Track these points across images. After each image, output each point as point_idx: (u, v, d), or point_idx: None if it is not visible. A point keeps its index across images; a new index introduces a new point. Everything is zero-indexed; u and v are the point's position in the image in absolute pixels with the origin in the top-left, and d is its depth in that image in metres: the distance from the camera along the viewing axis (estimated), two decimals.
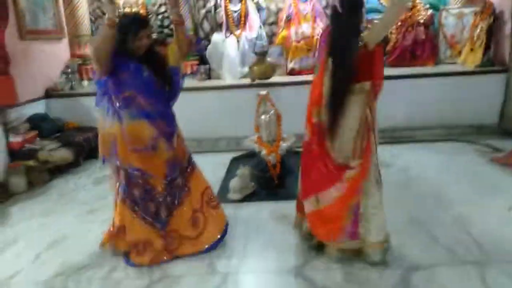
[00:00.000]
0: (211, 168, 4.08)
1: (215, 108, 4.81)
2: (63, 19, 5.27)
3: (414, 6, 5.20)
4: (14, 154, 3.88)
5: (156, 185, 2.41)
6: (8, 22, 3.66)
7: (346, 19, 2.11)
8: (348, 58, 2.07)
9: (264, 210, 3.06)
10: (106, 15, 2.09)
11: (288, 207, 3.04)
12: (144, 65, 2.27)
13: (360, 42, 2.09)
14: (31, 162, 3.88)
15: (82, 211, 3.27)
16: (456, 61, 5.09)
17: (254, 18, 5.19)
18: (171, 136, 2.43)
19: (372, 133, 2.22)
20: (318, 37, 4.99)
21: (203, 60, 5.42)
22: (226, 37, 5.13)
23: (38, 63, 4.70)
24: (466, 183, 3.30)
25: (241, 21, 5.17)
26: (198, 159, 4.46)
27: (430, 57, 5.20)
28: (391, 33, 5.29)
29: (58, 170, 4.18)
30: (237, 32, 5.15)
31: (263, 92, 3.82)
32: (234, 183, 3.29)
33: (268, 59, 3.71)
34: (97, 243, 2.58)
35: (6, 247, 2.76)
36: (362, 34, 2.13)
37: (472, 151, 4.08)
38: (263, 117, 3.76)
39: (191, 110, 4.78)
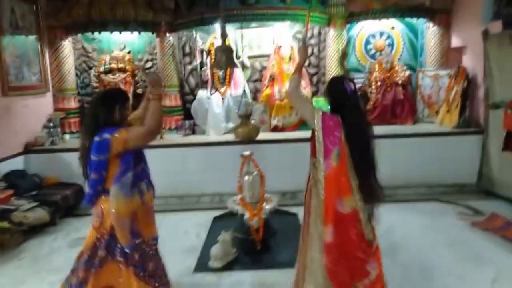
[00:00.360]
0: (193, 229, 4.02)
1: (199, 164, 4.79)
2: (49, 73, 5.28)
3: (392, 67, 5.43)
4: None
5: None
6: None
7: (358, 104, 2.15)
8: (372, 146, 2.12)
9: (246, 281, 2.97)
10: (152, 90, 2.18)
11: (272, 276, 2.98)
12: None
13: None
14: (4, 224, 3.73)
15: (55, 280, 3.09)
16: (433, 120, 5.26)
17: (239, 76, 5.32)
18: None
19: None
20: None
21: (188, 115, 5.47)
22: (211, 94, 5.22)
23: (20, 119, 4.66)
24: (449, 250, 3.29)
25: (226, 78, 5.29)
26: (180, 218, 4.44)
27: (409, 116, 5.37)
28: (371, 92, 5.48)
29: (33, 230, 4.01)
30: (222, 89, 5.24)
31: (246, 152, 3.83)
32: (215, 250, 3.20)
33: (252, 121, 3.76)
34: None
35: None
36: None
37: (454, 213, 4.12)
38: (246, 178, 3.75)
39: (174, 166, 4.77)
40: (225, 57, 3.54)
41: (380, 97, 5.41)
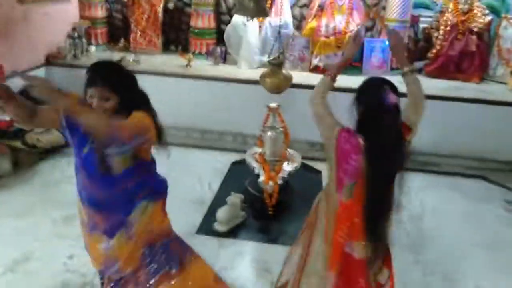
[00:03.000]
0: (208, 174, 3.78)
1: (225, 99, 4.39)
2: None
3: (471, 9, 4.44)
4: (2, 133, 3.65)
5: None
6: None
7: (395, 125, 1.56)
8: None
9: (247, 252, 2.75)
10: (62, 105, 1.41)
11: (275, 252, 2.74)
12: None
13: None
14: (18, 144, 3.66)
15: (59, 216, 3.03)
16: (506, 81, 4.41)
17: (283, 2, 4.56)
18: None
19: None
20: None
21: (221, 39, 4.91)
22: (247, 20, 4.54)
23: (40, 28, 4.32)
24: (485, 253, 2.85)
25: (267, 4, 4.56)
26: (199, 157, 4.20)
27: (477, 72, 4.53)
28: (437, 37, 4.60)
29: (49, 151, 3.94)
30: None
31: (273, 104, 3.37)
32: (221, 213, 2.96)
33: (283, 71, 3.21)
34: (58, 273, 2.38)
35: None
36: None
37: (501, 200, 3.58)
38: (269, 133, 3.36)
39: (198, 98, 4.40)
40: (253, 3, 2.80)
41: (447, 45, 4.53)
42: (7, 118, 3.65)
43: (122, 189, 1.59)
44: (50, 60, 4.48)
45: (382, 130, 1.52)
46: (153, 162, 1.71)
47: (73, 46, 4.69)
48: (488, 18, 4.42)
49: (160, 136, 1.64)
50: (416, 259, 2.76)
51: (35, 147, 3.73)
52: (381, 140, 1.52)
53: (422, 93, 1.74)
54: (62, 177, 3.62)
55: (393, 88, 1.59)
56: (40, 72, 4.38)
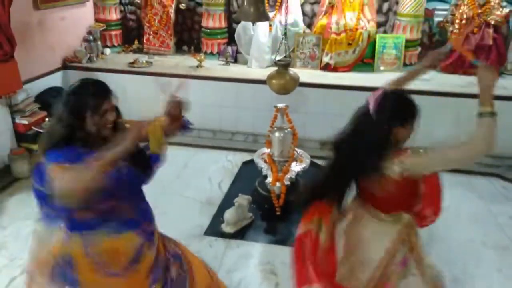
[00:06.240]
0: (218, 174, 3.84)
1: (235, 99, 4.43)
2: None
3: (487, 2, 4.30)
4: (20, 136, 3.80)
5: None
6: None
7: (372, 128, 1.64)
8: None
9: (254, 255, 2.78)
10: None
11: (281, 254, 2.77)
12: None
13: (393, 170, 1.57)
14: (36, 147, 3.80)
15: None
16: None
17: (293, 1, 4.55)
18: (153, 234, 1.80)
19: None
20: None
21: (233, 39, 4.93)
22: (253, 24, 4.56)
23: (57, 32, 4.45)
24: (499, 255, 2.80)
25: (277, 2, 4.56)
26: (209, 157, 4.26)
27: (494, 67, 4.35)
28: (451, 31, 4.48)
29: None
30: (271, 14, 4.54)
31: (281, 104, 3.38)
32: (229, 214, 3.01)
33: (291, 72, 3.21)
34: None
35: None
36: (401, 159, 1.56)
37: None
38: (277, 134, 3.37)
39: (209, 98, 4.45)
40: (253, 8, 2.80)
41: (462, 39, 4.41)
42: (25, 122, 3.81)
43: None
44: (67, 64, 4.61)
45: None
46: None
47: (89, 49, 4.81)
48: (506, 10, 4.28)
49: None
50: None
51: None
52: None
53: (481, 142, 1.50)
54: None
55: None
56: (57, 76, 4.53)
